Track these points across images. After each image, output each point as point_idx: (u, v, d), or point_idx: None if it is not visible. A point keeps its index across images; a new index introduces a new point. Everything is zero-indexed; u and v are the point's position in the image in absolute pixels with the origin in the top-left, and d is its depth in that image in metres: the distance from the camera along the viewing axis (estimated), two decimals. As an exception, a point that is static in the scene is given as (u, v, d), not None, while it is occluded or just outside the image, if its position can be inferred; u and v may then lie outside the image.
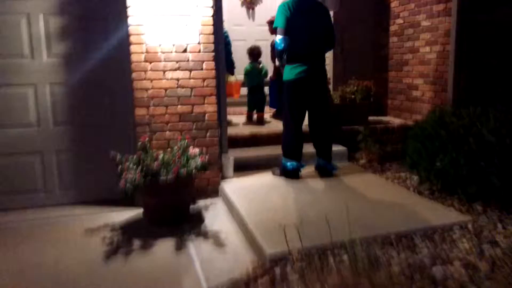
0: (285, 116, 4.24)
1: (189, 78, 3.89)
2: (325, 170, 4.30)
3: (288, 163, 4.15)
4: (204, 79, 3.93)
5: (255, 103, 5.95)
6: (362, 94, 5.47)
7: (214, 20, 3.90)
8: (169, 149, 3.82)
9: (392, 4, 5.86)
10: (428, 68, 5.23)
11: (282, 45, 3.90)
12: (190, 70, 3.88)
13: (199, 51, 3.88)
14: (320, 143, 4.30)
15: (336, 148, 4.71)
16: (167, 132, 3.91)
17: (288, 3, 3.98)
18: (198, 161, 3.48)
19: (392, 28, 5.89)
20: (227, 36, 5.70)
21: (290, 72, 4.04)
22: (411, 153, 3.77)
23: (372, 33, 6.04)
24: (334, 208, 3.39)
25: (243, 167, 4.45)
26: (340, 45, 5.82)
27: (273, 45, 5.95)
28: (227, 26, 6.14)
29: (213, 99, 3.98)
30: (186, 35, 3.82)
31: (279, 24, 3.94)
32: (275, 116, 6.21)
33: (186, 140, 3.74)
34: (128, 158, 3.48)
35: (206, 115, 3.98)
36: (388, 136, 5.37)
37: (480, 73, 4.69)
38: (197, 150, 3.70)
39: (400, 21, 5.71)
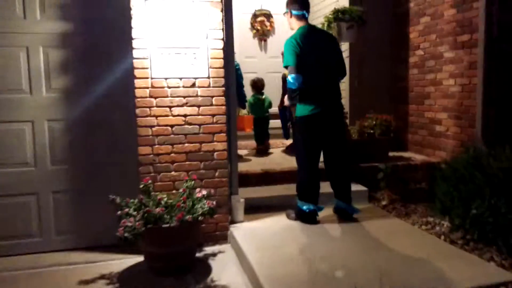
0: (299, 155, 3.92)
1: (198, 115, 3.62)
2: (345, 213, 3.93)
3: (304, 207, 3.80)
4: (213, 115, 3.65)
5: (260, 134, 5.92)
6: (381, 129, 5.15)
7: (224, 53, 3.65)
8: (174, 191, 3.51)
9: (412, 35, 5.60)
10: (452, 102, 4.90)
11: (296, 84, 3.59)
12: (199, 106, 3.61)
13: (209, 86, 3.62)
14: (338, 183, 3.95)
15: (355, 187, 4.36)
16: (173, 172, 3.61)
17: (295, 38, 3.71)
18: (205, 205, 3.15)
19: (412, 59, 5.61)
20: (238, 69, 5.48)
21: (304, 108, 3.74)
22: (442, 196, 3.40)
23: (391, 65, 5.77)
24: (357, 260, 3.01)
25: (255, 209, 4.11)
26: (357, 78, 5.56)
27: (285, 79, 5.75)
28: (238, 58, 5.93)
29: (222, 136, 3.69)
30: (195, 69, 3.57)
31: (290, 62, 3.63)
32: (289, 150, 5.91)
33: (193, 181, 3.44)
34: (128, 202, 3.18)
35: (215, 153, 3.68)
36: (410, 174, 5.00)
37: (510, 108, 4.35)
38: (204, 191, 3.39)
39: (420, 52, 5.43)
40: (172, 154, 3.59)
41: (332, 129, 3.82)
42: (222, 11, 3.60)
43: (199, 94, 3.60)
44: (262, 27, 7.06)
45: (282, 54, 5.80)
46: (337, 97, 3.85)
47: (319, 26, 6.24)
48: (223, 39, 3.62)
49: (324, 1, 6.41)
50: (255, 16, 7.05)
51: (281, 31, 7.18)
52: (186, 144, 3.61)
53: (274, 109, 6.05)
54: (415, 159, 5.25)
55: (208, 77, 3.61)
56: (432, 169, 5.08)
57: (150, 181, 3.31)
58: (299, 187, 3.88)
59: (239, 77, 5.50)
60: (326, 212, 4.00)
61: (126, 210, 3.05)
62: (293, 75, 3.60)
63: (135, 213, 3.03)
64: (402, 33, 5.74)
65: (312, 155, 3.81)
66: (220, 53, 3.62)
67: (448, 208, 3.33)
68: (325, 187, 4.01)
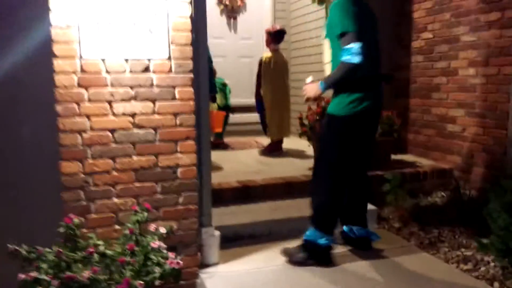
0: (327, 167, 2.77)
1: (153, 113, 2.45)
2: (366, 242, 2.95)
3: (322, 240, 2.73)
4: (176, 114, 2.49)
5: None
6: (383, 128, 4.18)
7: (193, 22, 2.49)
8: (117, 227, 2.35)
9: (416, 14, 4.63)
10: (472, 96, 3.98)
11: (361, 56, 2.45)
12: (154, 101, 2.44)
13: (170, 71, 2.45)
14: (357, 202, 2.95)
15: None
16: (115, 199, 2.43)
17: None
18: (166, 264, 2.01)
19: (416, 44, 4.64)
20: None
21: (347, 103, 2.63)
22: (500, 231, 2.44)
23: (391, 50, 4.78)
24: None
25: (233, 240, 3.03)
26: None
27: (269, 62, 4.66)
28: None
29: (190, 144, 2.54)
30: (149, 45, 2.39)
31: (350, 26, 2.48)
32: (269, 151, 4.88)
33: (146, 212, 2.31)
34: (41, 253, 1.99)
35: (179, 170, 2.53)
36: (418, 184, 4.08)
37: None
38: (162, 229, 2.27)
39: (428, 35, 4.47)
40: (114, 173, 2.42)
41: (371, 132, 2.88)
42: (188, -40, 2.42)
43: (155, 83, 2.43)
44: (231, 2, 5.87)
45: (268, 32, 4.78)
46: (382, 87, 2.84)
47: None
48: (191, 2, 2.45)
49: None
50: (223, -12, 5.87)
51: (254, 8, 6.04)
52: (135, 158, 2.44)
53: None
54: (421, 165, 4.33)
55: (169, 58, 2.44)
56: (443, 177, 4.21)
57: (76, 220, 2.12)
58: (319, 211, 2.77)
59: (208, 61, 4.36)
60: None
61: (35, 274, 1.86)
62: (356, 44, 2.45)
63: (48, 277, 1.85)
64: (403, 11, 4.77)
65: (348, 167, 2.77)
66: (187, 23, 2.45)
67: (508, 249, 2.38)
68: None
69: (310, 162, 4.27)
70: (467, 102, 4.04)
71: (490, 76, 3.78)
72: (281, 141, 4.95)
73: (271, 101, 4.80)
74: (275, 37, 4.72)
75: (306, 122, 4.13)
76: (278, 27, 4.85)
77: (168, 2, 2.39)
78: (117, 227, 2.43)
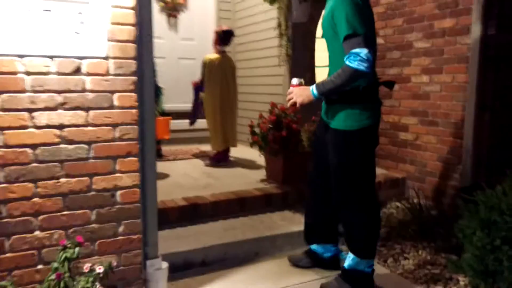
0: (361, 192, 2.40)
1: (86, 124, 1.99)
2: (336, 261, 2.72)
3: (368, 266, 2.47)
4: (115, 126, 2.05)
5: None
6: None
7: (138, 16, 2.07)
8: (40, 267, 1.88)
9: (367, 19, 4.49)
10: (425, 104, 3.89)
11: (369, 64, 2.12)
12: (88, 109, 1.99)
13: (107, 73, 2.01)
14: (333, 216, 2.67)
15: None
16: (38, 233, 1.94)
17: None
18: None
19: (366, 49, 4.50)
20: None
21: (359, 114, 2.30)
22: (477, 251, 2.27)
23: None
24: None
25: (183, 268, 2.63)
26: (306, 71, 4.31)
27: (213, 64, 4.29)
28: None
29: (132, 162, 2.11)
30: (80, 40, 1.94)
31: (359, 27, 2.13)
32: (216, 161, 4.51)
33: (78, 247, 1.87)
34: None
35: (119, 193, 2.10)
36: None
37: (506, 114, 3.46)
38: (99, 268, 1.85)
39: (379, 41, 4.34)
40: (36, 199, 1.93)
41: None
42: None
43: (88, 87, 1.98)
44: None
45: (217, 32, 4.39)
46: None
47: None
48: (134, -9, 2.03)
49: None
50: (163, -15, 5.39)
51: (196, 7, 5.63)
52: (64, 180, 1.97)
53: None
54: (374, 175, 4.17)
55: (107, 58, 2.00)
56: (396, 186, 4.10)
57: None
58: (367, 241, 2.45)
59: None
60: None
61: None
62: (364, 49, 2.10)
63: None
64: (353, 16, 4.62)
65: (374, 181, 2.50)
66: (130, 15, 2.03)
67: (491, 272, 2.22)
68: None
69: (261, 174, 3.98)
70: (420, 110, 3.95)
71: (444, 84, 3.70)
72: (227, 150, 4.59)
73: (214, 108, 4.40)
74: (223, 38, 4.36)
75: (257, 130, 3.81)
76: (225, 27, 4.49)
77: (106, -12, 1.95)
78: (40, 267, 1.95)
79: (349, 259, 2.48)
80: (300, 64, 4.15)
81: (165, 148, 4.87)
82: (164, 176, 3.98)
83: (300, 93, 2.38)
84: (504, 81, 3.42)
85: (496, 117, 3.41)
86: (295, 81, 2.45)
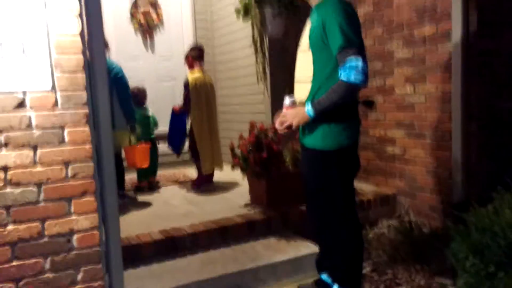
0: (342, 215, 2.27)
1: (33, 164, 1.81)
2: None
3: None
4: (67, 163, 1.87)
5: (150, 165, 4.16)
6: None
7: (86, 41, 1.90)
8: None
9: (346, 30, 4.36)
10: (411, 115, 3.74)
11: (365, 76, 1.99)
12: (35, 147, 1.81)
13: (55, 106, 1.83)
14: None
15: (306, 249, 2.95)
16: (-18, 289, 1.75)
17: (347, 5, 2.11)
18: None
19: (348, 61, 4.36)
20: (119, 72, 3.73)
21: (339, 133, 2.15)
22: (468, 277, 2.09)
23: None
24: None
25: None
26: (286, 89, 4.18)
27: (195, 84, 4.06)
28: (116, 59, 4.15)
29: (88, 201, 1.92)
30: (23, 72, 1.76)
31: (353, 37, 2.01)
32: (198, 185, 4.30)
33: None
34: None
35: (75, 237, 1.90)
36: (362, 213, 3.72)
37: (498, 123, 3.31)
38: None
39: (360, 52, 4.20)
40: (-21, 251, 1.73)
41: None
42: (74, -41, 1.84)
43: (34, 123, 1.80)
44: (146, 18, 5.27)
45: (188, 57, 4.24)
46: None
47: (230, 15, 4.71)
48: (80, 15, 1.86)
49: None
50: (136, 4, 5.24)
51: (172, 25, 5.49)
52: (11, 227, 1.78)
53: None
54: (363, 191, 4.00)
55: (53, 89, 1.82)
56: (387, 204, 3.92)
57: None
58: (349, 267, 2.28)
59: (124, 86, 3.75)
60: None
61: None
62: (361, 62, 1.97)
63: None
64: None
65: (354, 202, 2.36)
66: (77, 42, 1.86)
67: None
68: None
69: (245, 198, 3.79)
70: (406, 122, 3.79)
71: (429, 94, 3.56)
72: (211, 174, 4.39)
73: (203, 129, 4.18)
74: (200, 55, 4.15)
75: (238, 152, 3.63)
76: (194, 45, 4.34)
77: (48, 13, 1.78)
78: (-15, 327, 1.74)
79: None
80: (279, 80, 4.01)
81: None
82: (144, 205, 3.78)
83: (294, 114, 2.20)
84: (490, 88, 3.28)
85: (483, 127, 3.26)
86: (287, 101, 2.26)
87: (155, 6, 5.33)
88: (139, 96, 4.34)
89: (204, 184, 4.31)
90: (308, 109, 2.13)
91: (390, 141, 3.98)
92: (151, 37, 5.37)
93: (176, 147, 4.44)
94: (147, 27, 5.29)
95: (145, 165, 3.99)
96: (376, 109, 4.03)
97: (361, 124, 2.39)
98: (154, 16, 5.33)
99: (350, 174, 2.29)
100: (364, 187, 4.14)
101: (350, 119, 2.22)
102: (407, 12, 3.66)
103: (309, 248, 2.96)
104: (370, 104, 2.43)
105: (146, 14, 5.28)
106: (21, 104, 1.77)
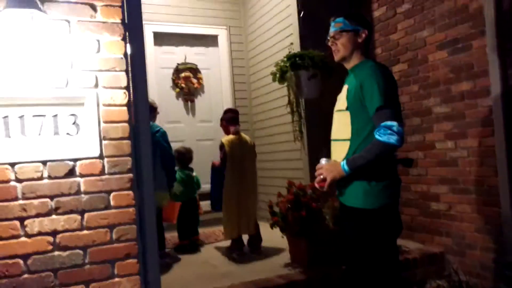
0: (383, 271, 2.19)
1: (80, 228, 1.90)
2: None
3: None
4: (112, 227, 1.95)
5: (192, 224, 4.30)
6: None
7: (132, 111, 2.04)
8: None
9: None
10: (454, 171, 3.64)
11: (401, 138, 2.05)
12: (82, 212, 1.90)
13: (102, 172, 1.94)
14: None
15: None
16: None
17: (385, 69, 2.23)
18: None
19: (385, 117, 4.37)
20: (163, 134, 3.91)
21: (381, 192, 2.16)
22: None
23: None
24: None
25: None
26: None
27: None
28: (159, 122, 4.36)
29: (131, 264, 1.97)
30: (74, 142, 1.90)
31: (392, 100, 2.09)
32: (230, 250, 4.16)
33: None
34: None
35: (119, 300, 1.93)
36: (409, 273, 3.56)
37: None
38: None
39: (397, 108, 4.21)
40: (28, 314, 1.79)
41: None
42: (124, 38, 2.02)
43: (82, 189, 1.91)
44: (187, 84, 5.55)
45: (223, 120, 4.36)
46: None
47: (266, 77, 4.89)
48: (127, 87, 2.01)
49: (268, 44, 5.11)
50: (177, 71, 5.56)
51: (212, 89, 5.76)
52: (58, 290, 1.84)
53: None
54: (408, 249, 3.83)
55: (101, 157, 1.94)
56: (434, 263, 3.73)
57: None
58: None
59: (167, 148, 3.91)
60: None
61: None
62: (396, 122, 2.04)
63: None
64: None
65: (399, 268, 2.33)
66: (123, 112, 2.00)
67: None
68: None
69: (285, 257, 3.72)
70: (449, 177, 3.69)
71: (471, 149, 3.47)
72: (240, 239, 4.16)
73: (232, 194, 4.06)
74: (232, 118, 4.18)
75: (277, 210, 3.63)
76: (226, 108, 4.40)
77: (99, 88, 1.94)
78: None
79: None
80: (315, 138, 4.05)
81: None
82: (184, 265, 3.78)
83: (330, 168, 2.22)
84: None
85: (533, 181, 3.12)
86: (324, 161, 2.30)
87: (195, 72, 5.63)
88: (186, 155, 4.46)
89: (233, 250, 4.10)
90: (343, 164, 2.16)
91: (434, 197, 3.86)
92: (192, 102, 5.63)
93: (216, 200, 4.27)
94: (188, 92, 5.57)
95: (174, 220, 4.09)
96: (416, 166, 3.96)
97: (402, 181, 2.36)
98: (194, 81, 5.62)
99: (393, 233, 2.24)
100: (409, 245, 3.98)
101: (389, 178, 2.21)
102: (442, 70, 3.68)
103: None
104: (409, 163, 2.40)
105: (186, 79, 5.58)
106: (71, 171, 1.89)
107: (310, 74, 3.61)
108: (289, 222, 3.47)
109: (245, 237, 4.20)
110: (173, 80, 5.57)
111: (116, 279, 1.94)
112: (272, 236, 4.28)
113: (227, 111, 4.32)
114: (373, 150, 2.07)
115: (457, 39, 3.53)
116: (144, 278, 2.02)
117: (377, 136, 2.05)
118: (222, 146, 4.14)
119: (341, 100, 2.32)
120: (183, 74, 5.59)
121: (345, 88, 2.32)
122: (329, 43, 2.36)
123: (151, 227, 2.05)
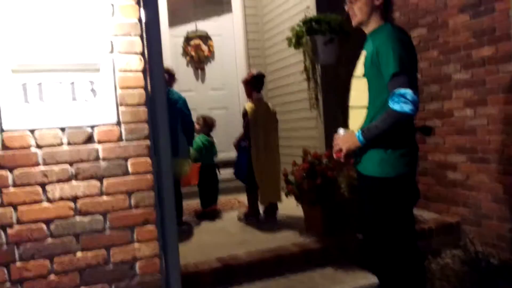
0: (399, 240, 2.21)
1: (100, 194, 1.92)
2: None
3: None
4: (130, 193, 1.97)
5: (212, 191, 4.40)
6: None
7: (148, 77, 2.02)
8: None
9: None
10: (472, 139, 3.58)
11: (415, 106, 1.98)
12: (101, 178, 1.92)
13: (119, 139, 1.95)
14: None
15: (364, 280, 2.85)
16: (54, 312, 1.84)
17: (404, 35, 2.16)
18: None
19: (402, 85, 4.28)
20: (185, 102, 3.94)
21: (398, 161, 2.13)
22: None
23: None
24: None
25: None
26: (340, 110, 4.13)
27: (250, 113, 4.02)
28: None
29: (150, 230, 2.00)
30: (91, 108, 1.90)
31: (407, 66, 2.01)
32: (246, 217, 4.20)
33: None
34: None
35: (138, 264, 1.97)
36: (424, 243, 3.55)
37: None
38: None
39: (415, 75, 4.11)
40: (52, 277, 1.84)
41: None
42: (138, 2, 1.98)
43: (101, 155, 1.92)
44: (197, 52, 5.47)
45: (245, 82, 3.99)
46: None
47: (281, 42, 4.77)
48: (142, 53, 1.98)
49: (283, 8, 4.95)
50: (187, 39, 5.47)
51: (223, 57, 5.67)
52: (80, 254, 1.88)
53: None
54: (424, 219, 3.83)
55: (118, 123, 1.94)
56: (450, 233, 3.72)
57: None
58: None
59: (188, 116, 3.97)
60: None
61: None
62: (410, 90, 1.98)
63: None
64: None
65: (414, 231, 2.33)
66: (139, 79, 1.98)
67: None
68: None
69: (300, 226, 3.74)
70: (467, 146, 3.63)
71: (491, 117, 3.40)
72: (256, 207, 4.17)
73: (258, 161, 4.02)
74: (255, 83, 4.04)
75: (292, 179, 3.62)
76: (254, 72, 4.14)
77: (114, 54, 1.92)
78: None
79: None
80: (331, 106, 3.99)
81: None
82: (201, 233, 3.84)
83: (346, 139, 2.22)
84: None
85: (555, 149, 3.06)
86: (341, 131, 2.29)
87: (206, 39, 5.55)
88: (209, 122, 4.55)
89: (252, 218, 4.13)
90: (359, 135, 2.13)
91: (451, 167, 3.81)
92: (202, 70, 5.58)
93: (241, 169, 4.26)
94: (198, 60, 5.51)
95: (195, 181, 4.19)
96: (434, 134, 3.89)
97: (419, 149, 2.33)
98: (205, 49, 5.54)
99: (410, 202, 2.22)
100: (425, 215, 3.97)
101: (407, 146, 2.17)
102: (463, 34, 3.56)
103: (367, 279, 2.86)
104: (428, 131, 2.36)
105: (197, 47, 5.50)
106: (89, 138, 1.90)
107: (327, 39, 3.52)
108: (304, 190, 3.47)
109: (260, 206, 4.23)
110: (183, 49, 5.50)
111: (136, 245, 1.97)
112: (286, 204, 4.31)
113: (254, 75, 4.08)
114: (387, 120, 2.03)
115: (479, 1, 3.40)
116: (163, 244, 2.05)
117: (390, 104, 2.01)
118: (245, 114, 4.06)
119: (359, 67, 2.27)
120: (192, 42, 5.52)
121: (363, 53, 2.26)
122: (346, 8, 2.29)
123: (169, 193, 2.06)
